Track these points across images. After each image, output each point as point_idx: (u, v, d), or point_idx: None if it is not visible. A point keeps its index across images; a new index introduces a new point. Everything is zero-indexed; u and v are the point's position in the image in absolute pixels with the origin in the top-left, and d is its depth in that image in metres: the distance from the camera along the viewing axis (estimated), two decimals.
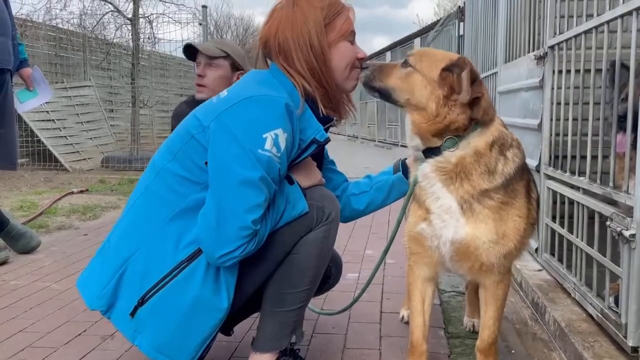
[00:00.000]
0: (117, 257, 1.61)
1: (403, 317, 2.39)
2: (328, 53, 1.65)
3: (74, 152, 8.98)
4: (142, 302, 1.55)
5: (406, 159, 1.93)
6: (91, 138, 9.57)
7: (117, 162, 8.65)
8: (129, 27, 9.45)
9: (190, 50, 2.74)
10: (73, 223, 4.57)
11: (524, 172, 1.71)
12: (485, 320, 1.78)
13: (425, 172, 1.67)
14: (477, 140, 1.62)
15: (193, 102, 2.65)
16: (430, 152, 1.66)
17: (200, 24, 8.80)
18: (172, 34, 11.77)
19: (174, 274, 1.55)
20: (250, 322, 2.12)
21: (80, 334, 2.28)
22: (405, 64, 1.69)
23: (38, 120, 8.57)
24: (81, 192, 6.08)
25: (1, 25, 3.29)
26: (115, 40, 10.09)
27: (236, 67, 2.69)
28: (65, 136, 9.00)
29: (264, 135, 1.49)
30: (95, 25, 9.95)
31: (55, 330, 2.32)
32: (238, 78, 2.64)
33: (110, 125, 10.29)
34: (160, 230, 1.58)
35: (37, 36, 9.37)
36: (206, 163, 1.55)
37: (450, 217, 1.64)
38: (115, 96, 11.15)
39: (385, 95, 1.71)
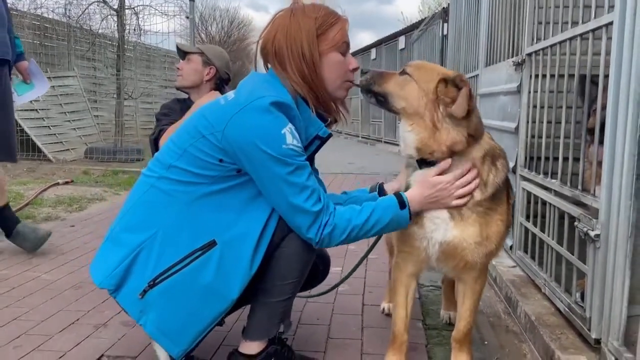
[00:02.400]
0: (130, 242, 1.69)
1: (384, 310, 2.51)
2: (318, 62, 1.74)
3: (57, 143, 8.94)
4: (152, 284, 1.64)
5: (383, 183, 2.02)
6: (74, 129, 9.52)
7: (101, 154, 8.63)
8: (115, 18, 9.41)
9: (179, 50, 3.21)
10: (59, 214, 4.60)
11: (507, 180, 1.84)
12: (462, 312, 1.91)
13: (419, 180, 1.78)
14: (471, 158, 1.74)
15: (179, 101, 3.12)
16: (424, 161, 1.76)
17: (188, 17, 8.81)
18: (159, 26, 11.72)
19: (188, 261, 1.64)
20: (239, 313, 2.21)
21: (73, 323, 2.36)
22: (403, 72, 1.79)
23: (21, 110, 8.49)
24: (66, 183, 6.09)
25: None
26: (100, 31, 10.04)
27: (207, 63, 3.08)
28: (48, 126, 8.95)
29: (282, 132, 1.62)
30: (80, 15, 9.88)
31: (48, 319, 2.39)
32: (209, 73, 3.08)
33: (94, 116, 10.24)
34: (174, 219, 1.68)
35: (22, 25, 9.26)
36: (220, 160, 1.66)
37: (441, 222, 1.77)
38: (99, 87, 11.09)
39: (382, 100, 1.80)
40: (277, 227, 1.72)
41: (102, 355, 2.06)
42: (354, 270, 2.05)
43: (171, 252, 1.66)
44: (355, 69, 1.84)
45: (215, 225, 1.67)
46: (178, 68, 3.14)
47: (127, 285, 1.67)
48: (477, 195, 1.74)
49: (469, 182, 1.73)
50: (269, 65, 1.81)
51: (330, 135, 1.82)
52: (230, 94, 1.75)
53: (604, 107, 2.06)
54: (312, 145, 1.79)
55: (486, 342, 2.26)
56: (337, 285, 2.13)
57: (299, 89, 1.73)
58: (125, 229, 1.74)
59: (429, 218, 1.78)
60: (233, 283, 1.67)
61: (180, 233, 1.67)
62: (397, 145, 1.90)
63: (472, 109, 1.69)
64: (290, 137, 1.63)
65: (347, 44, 1.82)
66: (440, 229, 1.77)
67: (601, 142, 1.98)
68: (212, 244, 1.66)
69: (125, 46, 9.77)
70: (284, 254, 1.75)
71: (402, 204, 1.74)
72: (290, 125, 1.65)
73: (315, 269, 1.98)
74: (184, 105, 3.02)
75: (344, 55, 1.81)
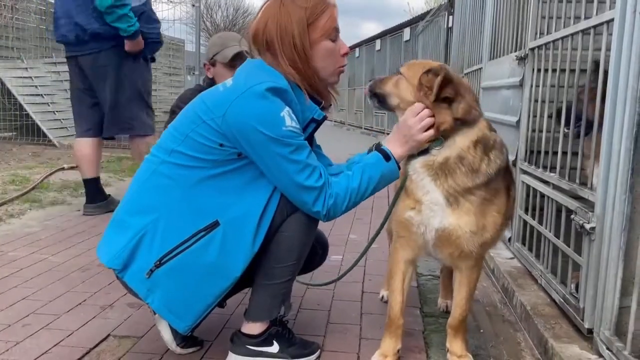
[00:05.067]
0: (135, 224, 1.74)
1: (382, 297, 2.56)
2: (310, 52, 1.79)
3: (62, 128, 8.96)
4: (159, 264, 1.70)
5: (380, 142, 2.03)
6: None
7: (105, 140, 8.65)
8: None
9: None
10: (65, 199, 4.66)
11: (506, 174, 1.88)
12: (457, 300, 1.96)
13: (415, 167, 1.85)
14: (462, 140, 1.79)
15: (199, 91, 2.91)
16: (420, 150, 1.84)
17: (194, 5, 8.83)
18: (164, 13, 11.71)
19: (193, 241, 1.70)
20: (240, 297, 2.27)
21: (80, 303, 2.42)
22: (398, 73, 1.91)
23: (27, 95, 8.56)
24: (72, 168, 6.12)
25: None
26: None
27: None
28: (53, 111, 8.98)
29: (281, 115, 1.68)
30: None
31: (56, 300, 2.46)
32: None
33: None
34: (177, 202, 1.73)
35: (29, 10, 9.30)
36: (221, 144, 1.70)
37: (438, 208, 1.82)
38: None
39: (382, 100, 1.94)
40: (277, 210, 1.78)
41: (108, 335, 2.13)
42: (355, 263, 2.10)
43: (176, 233, 1.71)
44: (345, 54, 1.89)
45: (218, 207, 1.73)
46: None
47: (133, 265, 1.73)
48: (468, 182, 1.78)
49: (426, 117, 1.80)
50: (261, 56, 1.85)
51: (325, 118, 1.88)
52: (229, 81, 1.80)
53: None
54: (309, 128, 1.84)
55: (482, 330, 2.32)
56: (341, 277, 2.18)
57: (291, 77, 1.78)
58: (129, 212, 1.79)
59: (427, 205, 1.83)
60: (236, 261, 1.73)
61: (183, 215, 1.72)
62: None
63: (454, 95, 1.78)
64: (289, 119, 1.70)
65: (337, 30, 1.85)
66: (437, 216, 1.82)
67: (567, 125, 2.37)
68: (215, 224, 1.71)
69: None
70: (283, 237, 1.81)
71: (387, 156, 1.84)
72: (287, 108, 1.71)
73: (314, 252, 2.04)
74: None
75: (335, 42, 1.85)
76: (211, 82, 3.06)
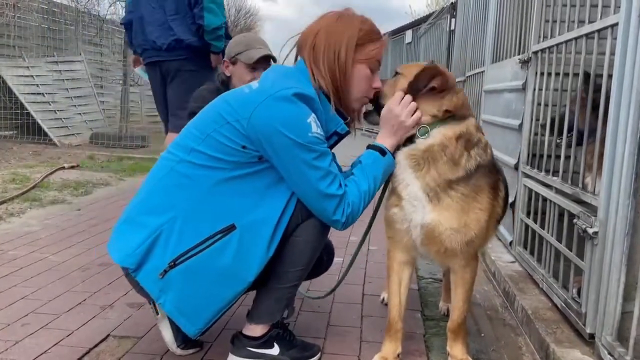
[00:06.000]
0: (150, 224, 1.72)
1: (383, 300, 2.55)
2: (350, 68, 1.81)
3: (63, 127, 8.98)
4: (173, 265, 1.68)
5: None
6: (80, 113, 9.55)
7: (106, 139, 8.69)
8: (123, 3, 9.43)
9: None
10: (66, 198, 4.65)
11: (491, 172, 1.87)
12: (455, 302, 1.96)
13: (398, 159, 1.87)
14: (447, 130, 1.82)
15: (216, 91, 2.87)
16: (407, 141, 1.87)
17: None
18: None
19: (209, 244, 1.69)
20: (241, 298, 2.26)
21: (80, 303, 2.41)
22: (395, 74, 1.96)
23: (28, 94, 8.56)
24: (72, 167, 6.14)
25: None
26: (108, 17, 10.07)
27: None
28: (54, 110, 8.99)
29: (308, 121, 1.69)
30: (88, 0, 9.91)
31: (55, 299, 2.45)
32: None
33: (100, 101, 10.28)
34: (195, 203, 1.71)
35: (31, 8, 9.30)
36: (244, 147, 1.70)
37: (418, 203, 1.82)
38: (105, 72, 11.12)
39: (376, 103, 1.99)
40: (293, 215, 1.78)
41: (108, 335, 2.12)
42: (350, 265, 2.12)
43: (191, 235, 1.70)
44: (377, 89, 1.93)
45: (235, 210, 1.72)
46: None
47: (147, 265, 1.71)
48: (448, 174, 1.79)
49: (409, 102, 1.85)
50: (299, 58, 1.86)
51: (348, 132, 1.89)
52: (254, 83, 1.80)
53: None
54: (330, 140, 1.85)
55: (483, 334, 2.31)
56: (336, 287, 2.18)
57: (325, 84, 1.80)
58: (144, 211, 1.77)
59: (408, 200, 1.84)
60: (250, 266, 1.72)
61: (200, 216, 1.71)
62: None
63: (439, 86, 1.83)
64: (315, 126, 1.70)
65: (379, 64, 1.90)
66: (419, 211, 1.82)
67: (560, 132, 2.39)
68: (232, 227, 1.70)
69: None
70: (297, 241, 1.80)
71: (382, 151, 1.86)
72: (313, 115, 1.71)
73: (320, 259, 2.03)
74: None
75: (373, 73, 1.88)
76: (226, 80, 3.04)
